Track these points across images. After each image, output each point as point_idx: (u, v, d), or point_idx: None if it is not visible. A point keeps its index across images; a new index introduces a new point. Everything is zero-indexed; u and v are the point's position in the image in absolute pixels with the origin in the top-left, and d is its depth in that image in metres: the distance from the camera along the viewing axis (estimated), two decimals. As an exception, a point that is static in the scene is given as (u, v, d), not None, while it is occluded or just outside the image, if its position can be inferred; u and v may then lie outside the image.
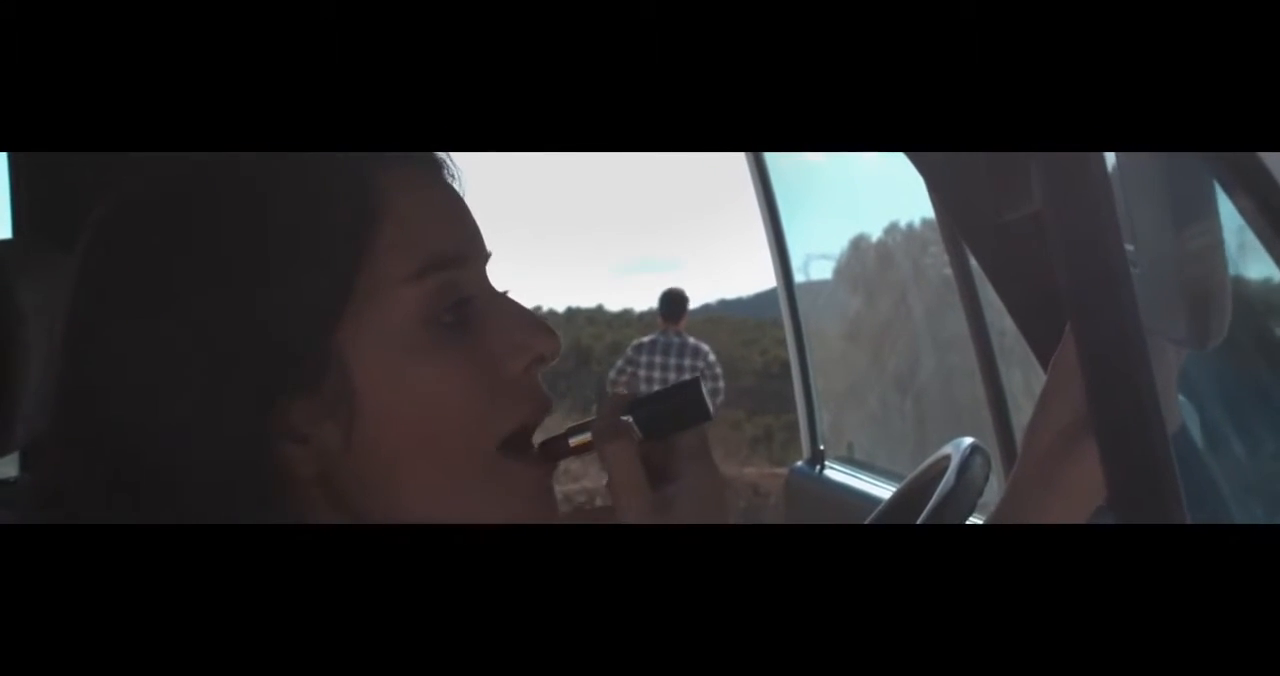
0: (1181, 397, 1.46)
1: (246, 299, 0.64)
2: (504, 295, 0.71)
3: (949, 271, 2.17)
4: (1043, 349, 1.28)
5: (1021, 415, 2.17)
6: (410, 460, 0.66)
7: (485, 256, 0.71)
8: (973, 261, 2.06)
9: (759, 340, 5.90)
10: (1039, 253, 1.17)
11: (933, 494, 1.07)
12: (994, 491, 2.12)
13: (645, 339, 6.85)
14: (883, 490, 2.64)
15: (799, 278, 3.40)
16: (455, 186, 0.72)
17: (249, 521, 0.62)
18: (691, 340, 6.80)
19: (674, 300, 6.75)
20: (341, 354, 0.65)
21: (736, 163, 3.20)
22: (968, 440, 1.15)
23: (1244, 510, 1.42)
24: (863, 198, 3.72)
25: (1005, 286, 1.25)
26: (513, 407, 0.69)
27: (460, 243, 0.69)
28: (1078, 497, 0.77)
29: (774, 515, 7.69)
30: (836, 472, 3.02)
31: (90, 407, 0.65)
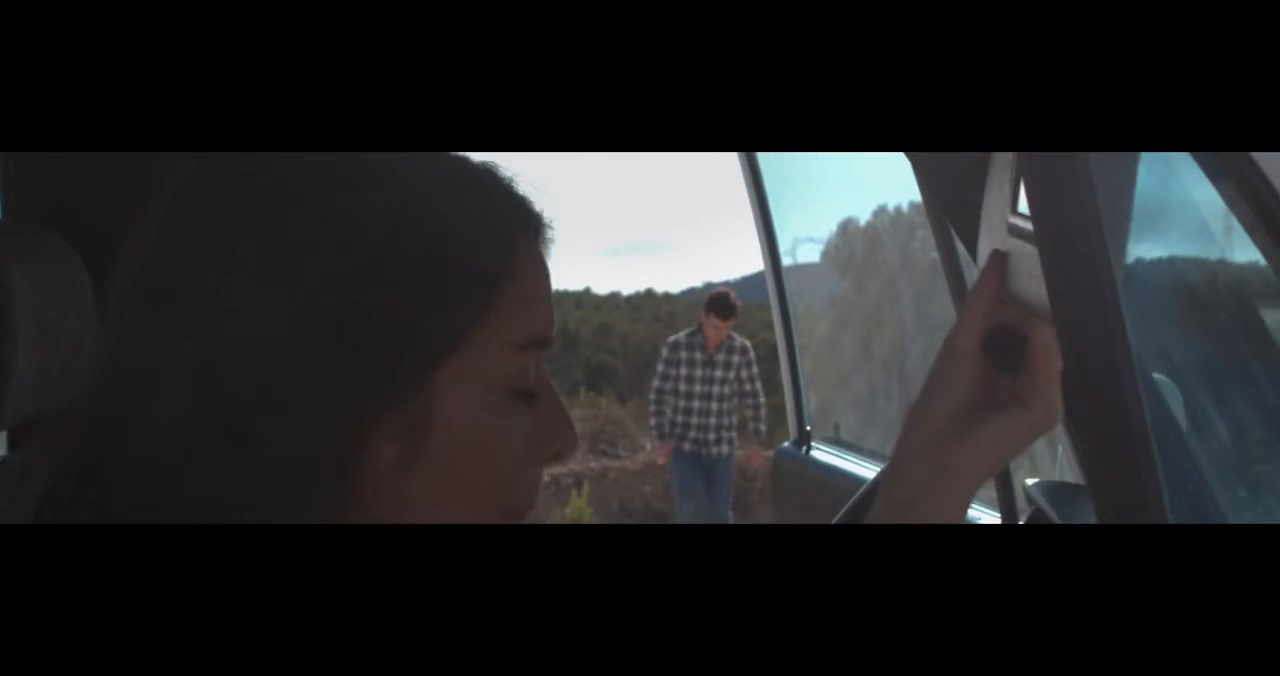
0: (1165, 378, 1.47)
1: (374, 303, 0.65)
2: (553, 385, 0.74)
3: (935, 255, 2.18)
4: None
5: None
6: (440, 496, 0.69)
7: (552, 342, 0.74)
8: (959, 246, 2.07)
9: (746, 324, 5.93)
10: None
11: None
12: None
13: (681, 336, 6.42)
14: (868, 471, 2.66)
15: (786, 261, 3.42)
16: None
17: (316, 515, 0.64)
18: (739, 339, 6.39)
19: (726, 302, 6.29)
20: (435, 389, 0.67)
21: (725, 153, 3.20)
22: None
23: (1226, 491, 1.43)
24: (850, 181, 3.73)
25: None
26: (524, 481, 0.73)
27: (550, 326, 0.73)
28: (966, 480, 0.78)
29: (760, 498, 7.71)
30: (823, 453, 3.03)
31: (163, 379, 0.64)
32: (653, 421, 6.53)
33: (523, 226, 0.72)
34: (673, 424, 6.35)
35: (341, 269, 0.65)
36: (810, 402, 3.36)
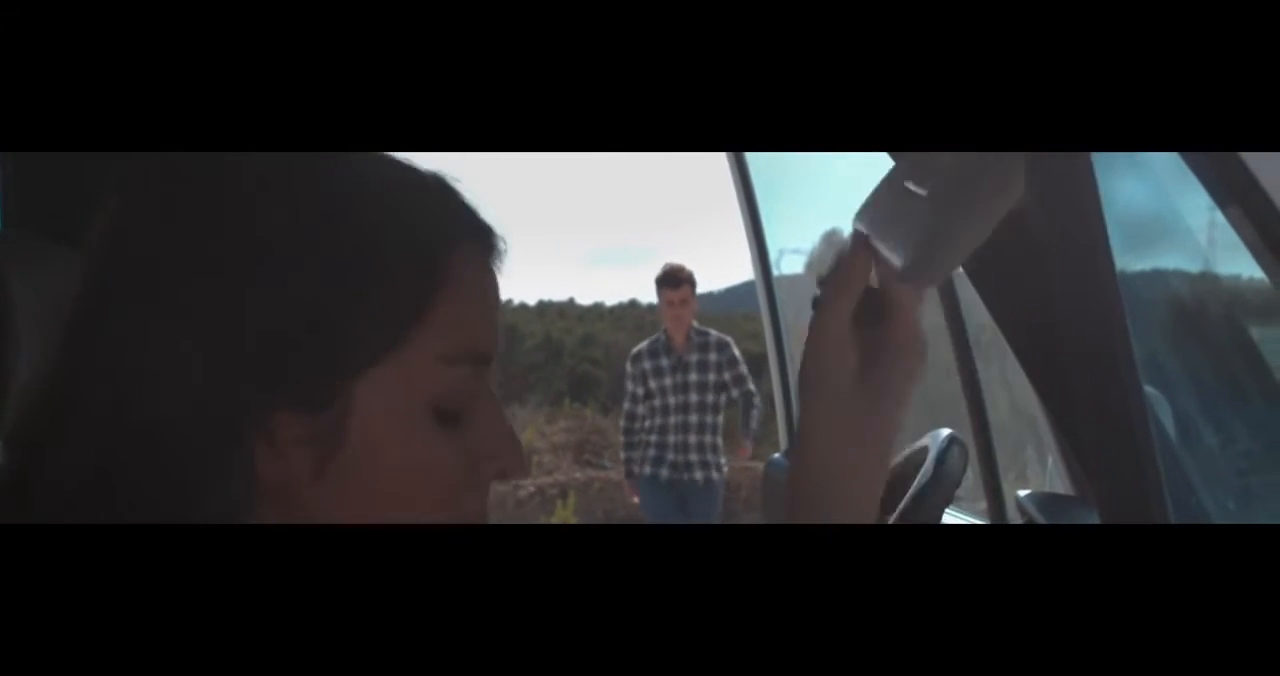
0: (1154, 390, 1.48)
1: (295, 305, 0.65)
2: (495, 401, 0.72)
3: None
4: (1018, 340, 1.30)
5: (997, 411, 2.19)
6: (360, 513, 0.67)
7: (496, 356, 0.72)
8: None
9: (731, 334, 5.28)
10: (1015, 245, 1.18)
11: (911, 483, 1.09)
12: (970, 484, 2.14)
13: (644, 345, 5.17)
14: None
15: (772, 272, 3.42)
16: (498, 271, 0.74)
17: (210, 513, 0.63)
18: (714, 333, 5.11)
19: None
20: (351, 396, 0.66)
21: (713, 157, 3.20)
22: (945, 431, 1.17)
23: (1215, 501, 1.44)
24: (834, 193, 3.74)
25: (982, 280, 1.27)
26: (465, 504, 0.71)
27: (491, 341, 0.71)
28: (872, 433, 0.78)
29: (746, 510, 7.70)
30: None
31: (82, 396, 0.65)
32: (622, 454, 5.21)
33: (464, 236, 0.70)
34: (645, 449, 5.03)
35: (267, 268, 0.64)
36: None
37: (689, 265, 5.00)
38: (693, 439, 4.98)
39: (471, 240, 0.70)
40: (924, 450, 1.15)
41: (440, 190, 0.71)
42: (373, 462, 0.67)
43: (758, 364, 4.74)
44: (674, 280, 4.92)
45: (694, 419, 4.98)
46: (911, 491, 1.07)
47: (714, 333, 5.06)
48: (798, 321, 3.99)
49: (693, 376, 4.99)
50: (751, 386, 5.07)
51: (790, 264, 3.91)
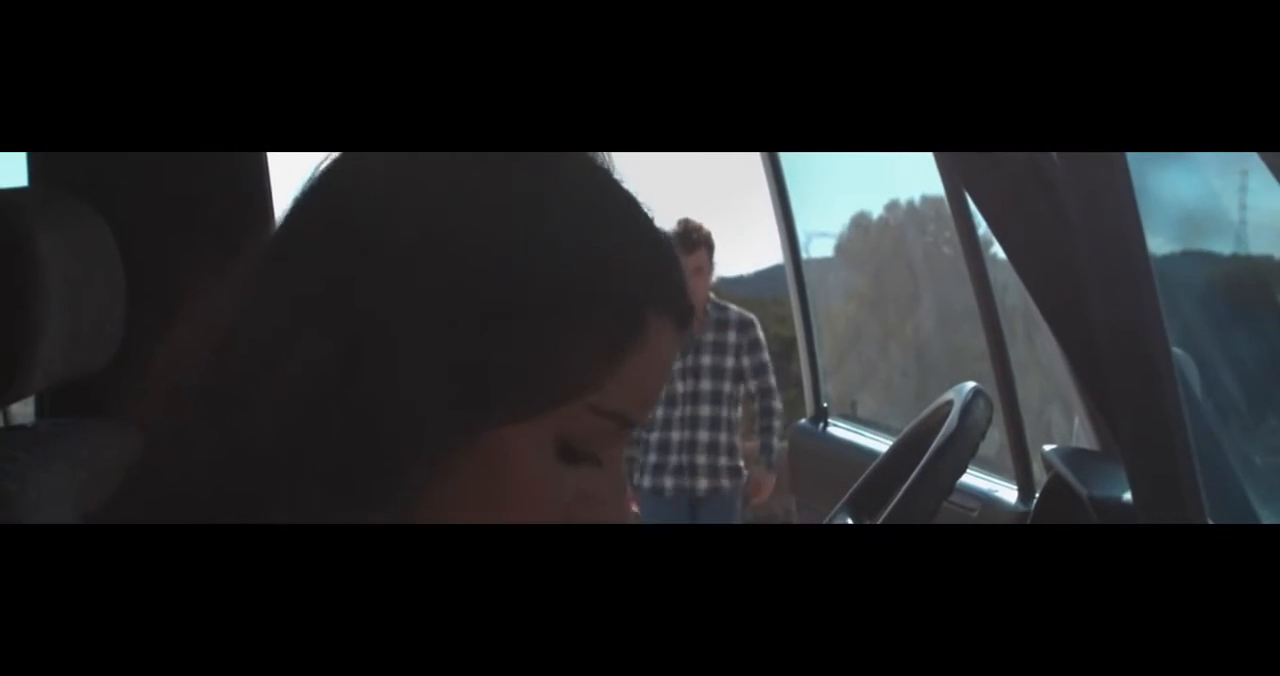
0: (1181, 352, 1.48)
1: (502, 331, 0.64)
2: (621, 455, 0.71)
3: (946, 248, 2.18)
4: (1049, 308, 1.30)
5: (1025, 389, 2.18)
6: (460, 515, 0.66)
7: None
8: (981, 227, 2.07)
9: (761, 319, 4.83)
10: (1041, 201, 1.18)
11: (935, 437, 1.09)
12: (995, 443, 2.14)
13: None
14: (884, 445, 2.67)
15: (801, 255, 3.43)
16: None
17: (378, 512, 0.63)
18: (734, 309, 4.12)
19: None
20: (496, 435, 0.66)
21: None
22: (970, 384, 1.18)
23: (1243, 465, 1.44)
24: (862, 178, 3.75)
25: (1015, 251, 1.26)
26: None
27: (648, 411, 0.70)
28: None
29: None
30: (840, 429, 3.05)
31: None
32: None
33: (670, 304, 0.69)
34: (645, 450, 3.99)
35: (493, 298, 0.63)
36: (827, 381, 3.37)
37: (714, 251, 4.02)
38: (703, 436, 3.95)
39: (675, 310, 0.69)
40: (948, 404, 1.15)
41: (668, 252, 0.70)
42: (488, 474, 0.65)
43: (786, 348, 4.61)
44: (688, 241, 3.84)
45: (705, 412, 3.95)
46: (936, 443, 1.08)
47: (735, 308, 4.07)
48: (827, 304, 3.98)
49: (705, 360, 3.96)
50: (773, 382, 4.04)
51: (819, 247, 3.90)
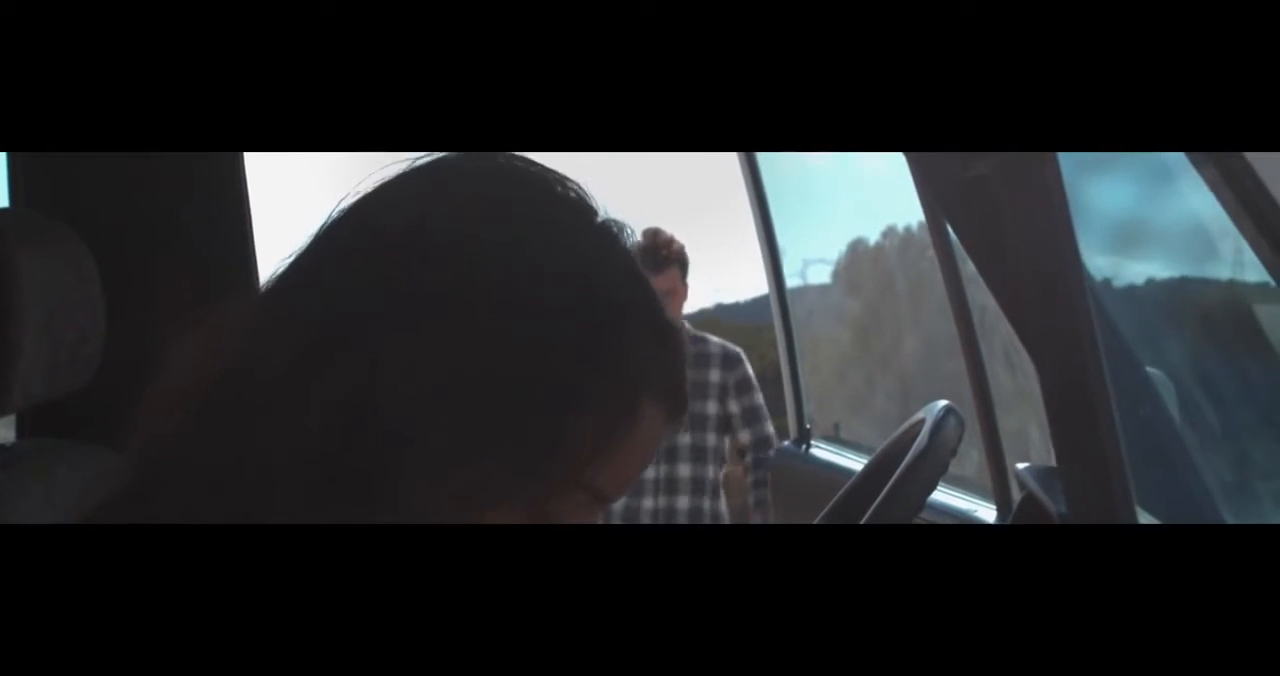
0: (1158, 372, 1.49)
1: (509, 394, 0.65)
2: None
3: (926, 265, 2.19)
4: (1022, 325, 1.30)
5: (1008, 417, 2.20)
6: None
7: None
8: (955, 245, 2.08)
9: (756, 345, 4.81)
10: (999, 230, 1.19)
11: (906, 455, 1.10)
12: (973, 463, 2.14)
13: None
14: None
15: (797, 282, 3.40)
16: None
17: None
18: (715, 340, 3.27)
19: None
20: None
21: (732, 166, 3.15)
22: (941, 403, 1.19)
23: (1223, 490, 1.45)
24: (859, 201, 3.76)
25: (983, 261, 1.27)
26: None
27: (623, 492, 0.71)
28: None
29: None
30: (822, 450, 3.04)
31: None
32: None
33: (667, 393, 0.70)
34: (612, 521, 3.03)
35: (509, 357, 0.64)
36: (810, 402, 3.37)
37: (711, 278, 3.30)
38: (682, 503, 3.11)
39: (669, 401, 0.70)
40: (920, 423, 1.16)
41: (676, 342, 0.71)
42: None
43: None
44: (657, 258, 3.00)
45: (684, 472, 3.11)
46: (905, 461, 1.08)
47: (716, 340, 3.25)
48: (824, 330, 3.99)
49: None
50: (769, 430, 3.23)
51: (817, 273, 3.92)
